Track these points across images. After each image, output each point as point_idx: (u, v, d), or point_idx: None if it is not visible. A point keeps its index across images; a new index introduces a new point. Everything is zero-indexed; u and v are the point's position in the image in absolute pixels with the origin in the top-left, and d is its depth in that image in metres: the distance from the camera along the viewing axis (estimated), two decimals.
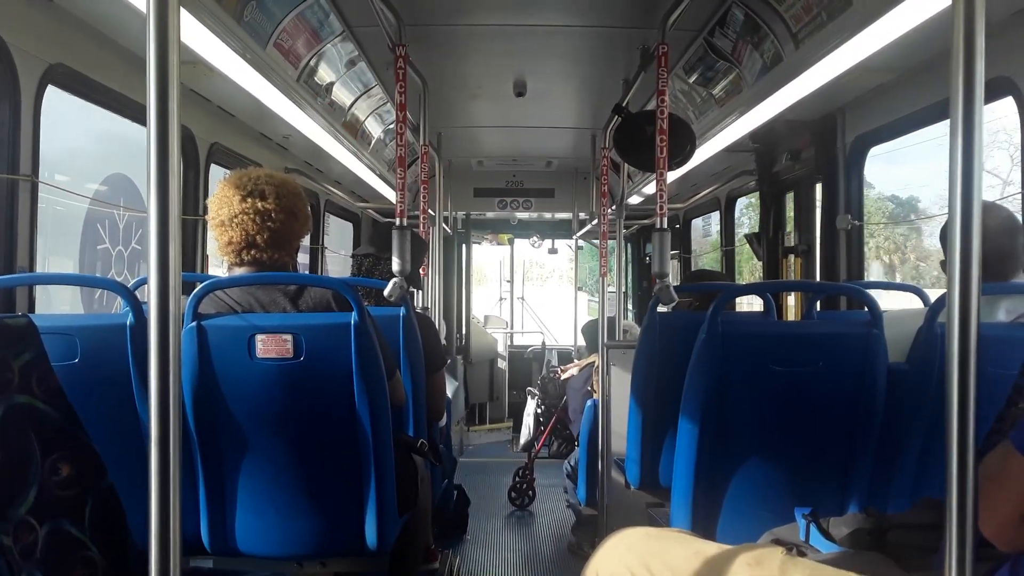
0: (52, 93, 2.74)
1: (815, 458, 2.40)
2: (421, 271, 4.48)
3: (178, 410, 1.09)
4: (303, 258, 5.98)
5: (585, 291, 13.13)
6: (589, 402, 4.47)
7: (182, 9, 2.48)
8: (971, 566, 1.12)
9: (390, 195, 6.61)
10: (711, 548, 1.70)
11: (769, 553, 1.61)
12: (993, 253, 2.46)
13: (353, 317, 2.19)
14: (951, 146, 1.13)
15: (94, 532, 1.68)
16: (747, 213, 7.23)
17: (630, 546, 1.79)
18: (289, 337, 2.17)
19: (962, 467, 1.12)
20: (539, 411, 6.20)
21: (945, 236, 2.34)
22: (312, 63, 3.96)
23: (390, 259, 3.03)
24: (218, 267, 4.39)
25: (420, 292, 5.06)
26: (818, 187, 4.42)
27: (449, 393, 4.17)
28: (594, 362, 4.97)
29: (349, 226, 7.53)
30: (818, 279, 4.40)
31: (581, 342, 7.19)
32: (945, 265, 2.22)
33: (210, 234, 4.18)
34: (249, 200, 2.40)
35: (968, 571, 1.12)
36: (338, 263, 6.98)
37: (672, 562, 1.69)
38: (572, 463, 4.98)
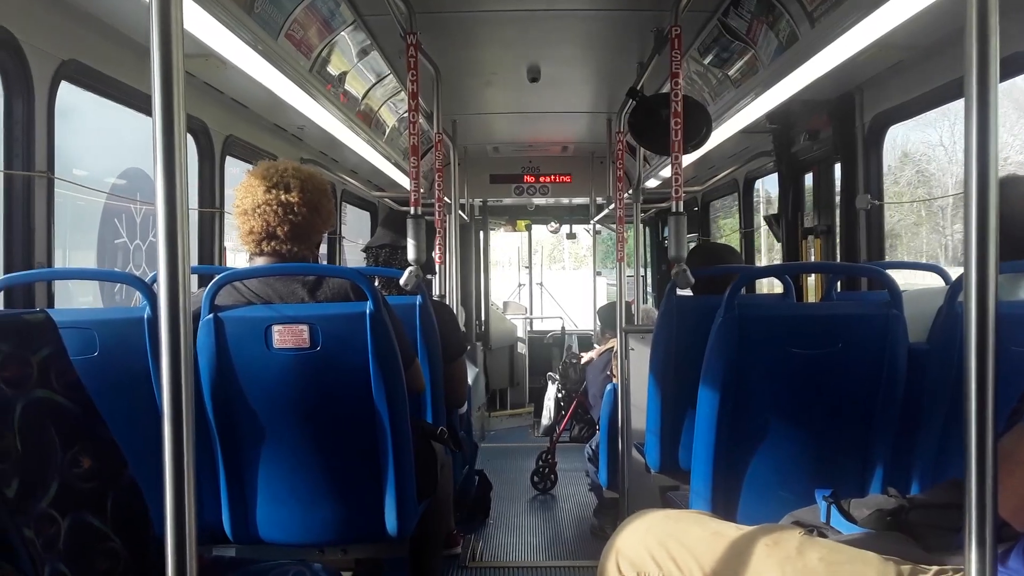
0: (65, 89, 2.75)
1: (835, 440, 2.38)
2: (436, 259, 4.48)
3: (191, 401, 1.09)
4: (321, 248, 5.99)
5: (604, 276, 13.07)
6: (609, 386, 4.46)
7: (191, 2, 2.50)
8: (992, 546, 1.11)
9: (407, 183, 6.60)
10: (729, 529, 1.70)
11: (787, 533, 1.61)
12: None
13: (368, 306, 2.19)
14: (966, 124, 1.10)
15: (116, 524, 1.69)
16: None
17: (649, 527, 1.79)
18: (305, 327, 2.19)
19: (981, 446, 1.10)
20: (560, 396, 6.20)
21: None
22: (324, 53, 3.96)
23: (406, 248, 3.04)
24: (234, 261, 4.41)
25: (436, 279, 5.07)
26: (837, 167, 4.37)
27: (469, 379, 4.17)
28: (613, 347, 4.96)
29: (366, 215, 7.53)
30: (838, 260, 4.36)
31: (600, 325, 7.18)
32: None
33: (228, 225, 4.24)
34: (273, 191, 2.42)
35: (988, 551, 1.11)
36: (355, 252, 6.99)
37: (690, 543, 1.70)
38: (593, 447, 4.98)
